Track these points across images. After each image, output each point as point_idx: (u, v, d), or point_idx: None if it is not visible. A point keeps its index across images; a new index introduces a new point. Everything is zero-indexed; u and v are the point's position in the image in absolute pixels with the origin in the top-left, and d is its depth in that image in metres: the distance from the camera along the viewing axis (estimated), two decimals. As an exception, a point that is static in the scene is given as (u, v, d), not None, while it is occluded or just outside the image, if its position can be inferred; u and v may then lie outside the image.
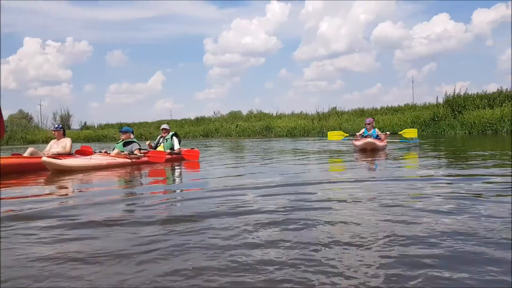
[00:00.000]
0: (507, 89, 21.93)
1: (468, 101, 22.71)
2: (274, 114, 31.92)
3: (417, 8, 68.26)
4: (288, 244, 2.39)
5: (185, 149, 9.28)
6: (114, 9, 75.73)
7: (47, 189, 5.78)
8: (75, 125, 52.31)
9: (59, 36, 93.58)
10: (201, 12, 78.21)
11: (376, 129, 11.49)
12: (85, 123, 43.64)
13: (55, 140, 9.28)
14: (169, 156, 8.73)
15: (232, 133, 29.72)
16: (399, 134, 13.01)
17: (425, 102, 26.46)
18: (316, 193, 4.15)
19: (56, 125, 9.24)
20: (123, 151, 8.52)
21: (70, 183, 6.27)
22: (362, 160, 8.32)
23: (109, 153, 8.61)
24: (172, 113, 76.66)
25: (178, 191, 5.25)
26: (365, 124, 11.69)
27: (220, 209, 3.39)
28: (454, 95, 23.29)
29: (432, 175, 5.51)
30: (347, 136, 12.87)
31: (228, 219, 3.04)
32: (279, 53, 68.98)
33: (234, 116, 33.81)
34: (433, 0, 64.17)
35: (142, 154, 8.54)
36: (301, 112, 30.98)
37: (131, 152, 8.53)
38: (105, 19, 78.86)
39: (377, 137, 11.04)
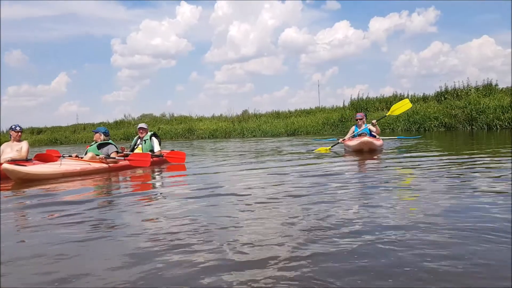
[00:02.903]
0: (401, 93, 24.31)
1: (370, 104, 24.69)
2: (194, 117, 31.11)
3: (320, 16, 71.22)
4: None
5: (167, 151, 8.35)
6: (12, 6, 66.34)
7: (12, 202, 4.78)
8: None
9: None
10: (107, 12, 72.47)
11: (368, 125, 9.48)
12: (-19, 128, 37.62)
13: (8, 142, 7.82)
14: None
15: (154, 136, 28.20)
16: (388, 114, 10.67)
17: (333, 105, 28.10)
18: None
19: (15, 125, 7.65)
20: (98, 155, 7.41)
21: (40, 193, 5.25)
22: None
23: (82, 158, 7.42)
24: (79, 116, 69.94)
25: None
26: (356, 120, 9.73)
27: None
28: (357, 99, 25.04)
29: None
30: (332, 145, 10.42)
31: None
32: (189, 55, 66.91)
33: (155, 119, 32.11)
34: (335, 8, 67.19)
35: (122, 158, 7.51)
36: (221, 114, 30.78)
37: (108, 156, 7.47)
38: (2, 16, 68.74)
39: (370, 134, 9.20)
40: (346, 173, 5.63)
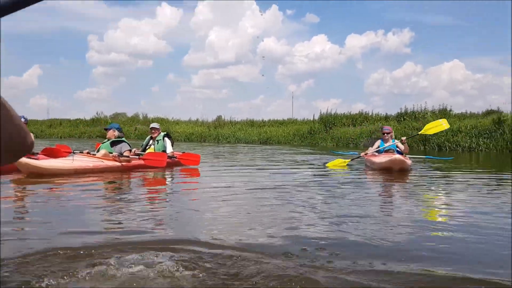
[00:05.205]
0: (366, 111, 25.12)
1: (337, 119, 25.33)
2: (171, 119, 30.35)
3: (299, 28, 70.00)
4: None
5: (180, 152, 8.01)
6: (-13, -5, 61.15)
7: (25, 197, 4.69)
8: None
9: None
10: (86, 7, 68.64)
11: (396, 141, 8.05)
12: None
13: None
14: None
15: (131, 135, 27.29)
16: (420, 133, 9.13)
17: (304, 118, 28.51)
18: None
19: (20, 116, 7.03)
20: (111, 152, 6.99)
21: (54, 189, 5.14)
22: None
23: (94, 154, 6.97)
24: (50, 111, 65.92)
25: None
26: (383, 134, 8.13)
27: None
28: (326, 114, 25.56)
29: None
30: (352, 158, 8.90)
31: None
32: (167, 57, 64.30)
33: (133, 119, 30.95)
34: (314, 21, 65.55)
35: (136, 157, 7.13)
36: (197, 119, 30.27)
37: (121, 154, 7.06)
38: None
39: (398, 151, 7.78)
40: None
